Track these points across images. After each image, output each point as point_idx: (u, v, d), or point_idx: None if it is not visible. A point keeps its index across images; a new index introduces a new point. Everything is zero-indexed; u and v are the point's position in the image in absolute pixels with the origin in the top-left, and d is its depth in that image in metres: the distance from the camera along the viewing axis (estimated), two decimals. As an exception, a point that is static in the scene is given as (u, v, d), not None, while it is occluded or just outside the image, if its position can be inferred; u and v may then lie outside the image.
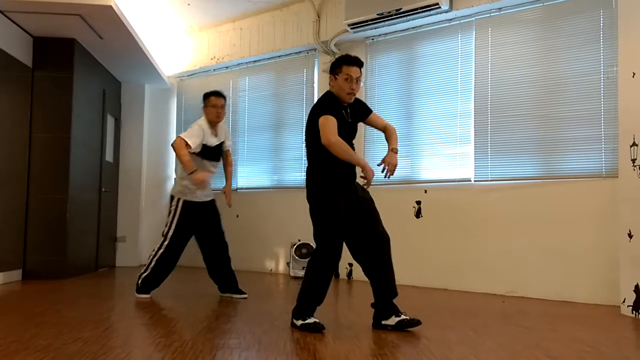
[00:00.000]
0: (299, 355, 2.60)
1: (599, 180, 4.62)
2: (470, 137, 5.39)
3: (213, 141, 4.47)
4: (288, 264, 6.61)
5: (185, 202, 4.43)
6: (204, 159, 4.45)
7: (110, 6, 5.14)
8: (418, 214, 5.67)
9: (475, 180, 5.33)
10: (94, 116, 6.59)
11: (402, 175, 5.81)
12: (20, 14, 5.26)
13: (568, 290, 4.68)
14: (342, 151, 3.22)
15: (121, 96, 7.69)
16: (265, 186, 7.05)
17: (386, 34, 6.04)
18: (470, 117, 5.39)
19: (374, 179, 3.35)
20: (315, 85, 6.63)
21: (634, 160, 3.91)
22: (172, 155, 7.93)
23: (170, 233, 4.41)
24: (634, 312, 3.88)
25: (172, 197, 4.52)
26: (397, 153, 3.47)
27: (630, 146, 3.95)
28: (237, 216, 7.20)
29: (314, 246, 3.33)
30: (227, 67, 7.51)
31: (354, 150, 3.38)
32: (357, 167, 3.37)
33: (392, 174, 3.43)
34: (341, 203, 3.27)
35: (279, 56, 6.99)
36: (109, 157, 7.19)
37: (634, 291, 3.87)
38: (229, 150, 4.76)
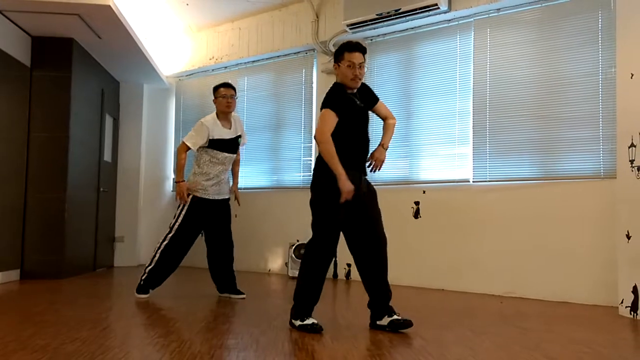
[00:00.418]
0: (297, 356, 2.60)
1: (597, 181, 4.63)
2: (468, 138, 5.39)
3: (224, 133, 4.48)
4: (286, 264, 6.61)
5: (195, 197, 4.44)
6: (222, 151, 4.48)
7: (109, 6, 5.14)
8: (416, 214, 5.67)
9: (473, 181, 5.34)
10: (92, 116, 6.58)
11: (401, 176, 5.81)
12: (19, 13, 5.26)
13: (566, 291, 4.69)
14: (327, 153, 3.20)
15: (120, 96, 7.68)
16: (264, 186, 7.05)
17: (385, 34, 6.04)
18: (469, 118, 5.40)
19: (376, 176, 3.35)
20: (314, 85, 6.63)
21: (632, 161, 3.92)
22: (171, 155, 7.94)
23: (176, 226, 4.41)
24: (632, 312, 3.89)
25: None
26: (386, 149, 3.47)
27: (629, 147, 3.96)
28: (236, 216, 7.18)
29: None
30: (225, 67, 7.50)
31: (367, 139, 3.39)
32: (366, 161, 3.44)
33: (379, 169, 3.46)
34: (342, 209, 3.25)
35: (278, 56, 6.99)
36: (107, 156, 7.19)
37: (632, 292, 3.87)
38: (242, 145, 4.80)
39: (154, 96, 7.97)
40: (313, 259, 3.26)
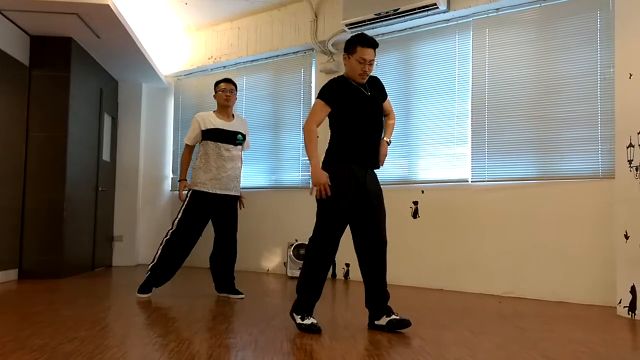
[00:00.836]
0: (296, 355, 2.60)
1: (595, 181, 4.63)
2: (467, 138, 5.40)
3: (219, 123, 4.51)
4: (285, 264, 6.61)
5: (194, 191, 4.45)
6: (218, 142, 4.48)
7: (108, 5, 5.13)
8: (415, 214, 5.68)
9: (472, 181, 5.34)
10: (91, 115, 6.58)
11: (400, 176, 5.82)
12: (18, 12, 5.25)
13: (564, 291, 4.70)
14: (308, 142, 3.25)
15: (118, 95, 7.68)
16: (263, 186, 7.04)
17: (384, 34, 6.04)
18: (468, 118, 5.40)
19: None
20: (313, 85, 6.63)
21: (630, 162, 3.92)
22: (170, 154, 7.93)
23: (177, 221, 4.41)
24: (630, 312, 3.89)
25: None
26: (389, 144, 3.49)
27: (627, 147, 3.96)
28: (234, 216, 7.20)
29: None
30: (224, 67, 7.50)
31: (377, 131, 3.35)
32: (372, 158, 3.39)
33: (382, 165, 3.45)
34: (345, 192, 3.22)
35: (277, 56, 6.99)
36: (106, 156, 7.18)
37: (630, 292, 3.88)
38: (246, 150, 4.80)
39: (152, 95, 7.97)
40: (314, 255, 3.25)
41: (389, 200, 5.60)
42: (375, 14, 5.57)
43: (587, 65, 4.75)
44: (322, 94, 3.31)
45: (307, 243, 3.36)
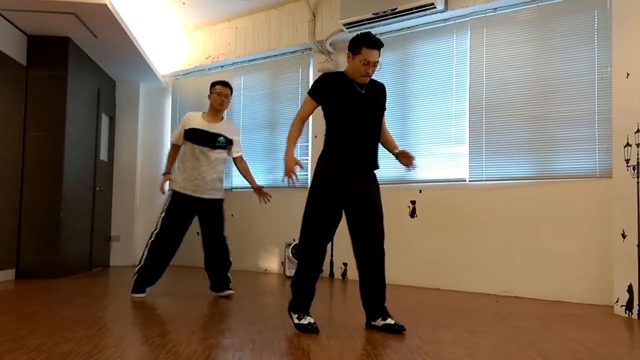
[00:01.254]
0: (293, 355, 2.60)
1: (593, 180, 4.64)
2: (465, 137, 5.40)
3: (202, 125, 4.44)
4: (283, 263, 6.61)
5: (174, 192, 4.46)
6: (194, 144, 4.42)
7: (105, 5, 5.12)
8: (413, 213, 5.68)
9: (469, 180, 5.34)
10: (88, 115, 6.57)
11: (397, 175, 5.82)
12: (15, 12, 5.24)
13: (562, 290, 4.70)
14: (289, 133, 3.34)
15: (116, 95, 7.66)
16: (261, 185, 7.01)
17: (381, 33, 6.04)
18: (465, 117, 5.40)
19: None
20: (311, 84, 6.62)
21: (627, 161, 3.93)
22: (167, 154, 7.92)
23: (160, 221, 4.41)
24: (627, 311, 3.90)
25: None
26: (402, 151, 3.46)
27: (624, 146, 3.97)
28: (232, 215, 7.20)
29: None
30: (222, 66, 7.49)
31: (371, 133, 3.29)
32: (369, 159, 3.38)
33: (411, 166, 3.42)
34: (329, 191, 3.20)
35: (274, 55, 6.99)
36: (103, 156, 7.17)
37: (627, 291, 3.88)
38: (238, 156, 4.68)
39: (150, 95, 7.96)
40: (302, 253, 3.26)
41: (386, 199, 5.60)
42: (373, 14, 5.57)
43: (585, 65, 4.76)
44: (310, 89, 3.36)
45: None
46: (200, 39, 7.56)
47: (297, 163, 3.25)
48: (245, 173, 4.75)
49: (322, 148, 3.36)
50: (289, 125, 3.45)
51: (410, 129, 5.80)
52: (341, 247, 5.89)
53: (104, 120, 7.23)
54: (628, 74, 3.97)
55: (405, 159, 3.37)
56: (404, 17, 5.57)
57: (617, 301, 4.03)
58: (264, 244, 6.89)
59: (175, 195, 4.44)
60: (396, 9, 5.43)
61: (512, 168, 5.08)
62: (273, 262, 6.82)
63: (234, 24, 7.22)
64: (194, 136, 4.43)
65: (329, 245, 6.07)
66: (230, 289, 4.59)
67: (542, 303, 4.57)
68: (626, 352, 2.82)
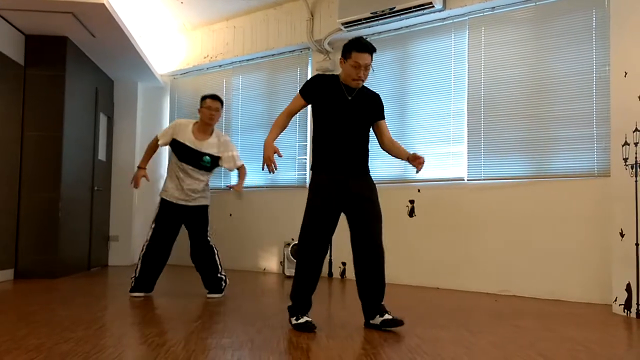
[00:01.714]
0: (292, 354, 2.60)
1: (591, 179, 4.65)
2: (463, 136, 5.40)
3: (190, 141, 4.39)
4: (282, 263, 6.61)
5: (162, 200, 4.48)
6: (180, 161, 4.41)
7: (103, 4, 5.12)
8: (411, 212, 5.68)
9: (468, 180, 5.35)
10: (86, 114, 6.56)
11: (396, 174, 5.82)
12: (13, 11, 5.23)
13: (560, 289, 4.71)
14: (274, 122, 3.39)
15: (114, 94, 7.66)
16: (259, 185, 7.04)
17: (380, 32, 6.04)
18: (464, 116, 5.41)
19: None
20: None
21: (625, 160, 3.93)
22: (165, 154, 7.91)
23: (151, 232, 4.45)
24: (625, 310, 3.90)
25: None
26: (412, 155, 3.40)
27: (622, 145, 3.97)
28: (231, 215, 7.20)
29: None
30: (220, 66, 7.49)
31: (355, 139, 3.28)
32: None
33: (420, 168, 3.36)
34: (322, 201, 3.23)
35: (273, 55, 6.98)
36: (101, 155, 7.16)
37: (626, 290, 3.89)
38: (238, 167, 4.62)
39: (148, 95, 7.95)
40: (299, 257, 3.29)
41: (385, 199, 5.61)
42: (372, 13, 5.57)
43: (583, 64, 4.77)
44: (302, 87, 3.39)
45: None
46: (198, 38, 7.55)
47: (276, 151, 3.27)
48: (242, 175, 4.69)
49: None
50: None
51: (408, 128, 5.80)
52: (340, 247, 5.89)
53: (102, 119, 7.22)
54: (626, 73, 3.98)
55: (416, 161, 3.33)
56: (402, 16, 5.57)
57: (615, 300, 4.03)
58: (263, 244, 6.89)
59: (163, 204, 4.47)
60: (394, 8, 5.43)
61: (511, 167, 5.09)
62: (272, 261, 6.82)
63: (232, 23, 7.22)
64: (180, 152, 4.41)
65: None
66: (216, 293, 4.56)
67: (541, 302, 4.57)
68: (625, 351, 2.82)
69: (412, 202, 5.68)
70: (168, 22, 7.35)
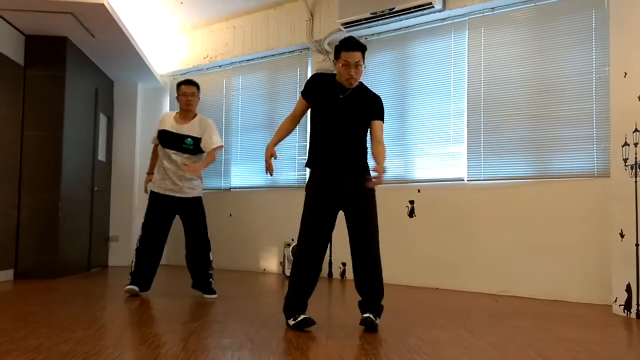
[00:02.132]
0: (292, 355, 2.60)
1: (591, 179, 4.65)
2: (463, 137, 5.40)
3: (171, 126, 4.41)
4: (281, 263, 6.61)
5: (151, 192, 4.50)
6: (164, 147, 4.42)
7: (103, 4, 5.12)
8: (411, 213, 5.68)
9: (468, 180, 5.35)
10: (86, 115, 6.56)
11: (396, 175, 5.82)
12: (12, 12, 5.23)
13: (560, 290, 4.71)
14: (278, 127, 3.48)
15: (114, 95, 7.66)
16: (259, 185, 7.04)
17: (379, 33, 6.04)
18: (463, 117, 5.41)
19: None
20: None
21: (625, 160, 3.93)
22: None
23: (142, 225, 4.49)
24: (625, 311, 3.90)
25: None
26: (384, 171, 3.18)
27: (622, 146, 3.97)
28: (230, 215, 7.20)
29: None
30: (220, 66, 7.49)
31: (347, 138, 3.25)
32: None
33: (373, 184, 3.15)
34: (317, 200, 3.27)
35: (272, 55, 6.99)
36: (101, 156, 7.16)
37: (626, 290, 3.89)
38: (210, 150, 4.43)
39: (148, 95, 7.95)
40: (296, 257, 3.34)
41: (385, 199, 5.63)
42: (371, 13, 5.57)
43: (583, 64, 4.77)
44: (303, 90, 3.42)
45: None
46: (198, 38, 7.55)
47: (272, 154, 3.36)
48: (207, 159, 4.45)
49: None
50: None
51: (408, 128, 5.80)
52: (340, 247, 5.89)
53: (102, 120, 7.22)
54: (626, 74, 3.98)
55: (375, 174, 3.15)
56: (401, 17, 5.57)
57: (615, 300, 4.03)
58: (263, 244, 6.89)
59: (152, 196, 4.49)
60: (394, 8, 5.43)
61: (510, 167, 5.09)
62: (272, 261, 6.82)
63: (232, 23, 7.22)
64: (163, 138, 4.43)
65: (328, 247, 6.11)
66: (212, 293, 4.54)
67: (541, 302, 4.57)
68: (624, 351, 2.82)
69: (412, 202, 5.68)
70: (168, 22, 7.35)
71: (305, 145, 6.56)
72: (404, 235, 5.67)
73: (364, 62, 3.26)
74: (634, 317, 3.83)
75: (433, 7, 5.30)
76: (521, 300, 4.70)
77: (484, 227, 5.18)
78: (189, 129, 4.42)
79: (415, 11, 5.41)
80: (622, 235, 3.94)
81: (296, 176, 6.65)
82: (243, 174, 7.21)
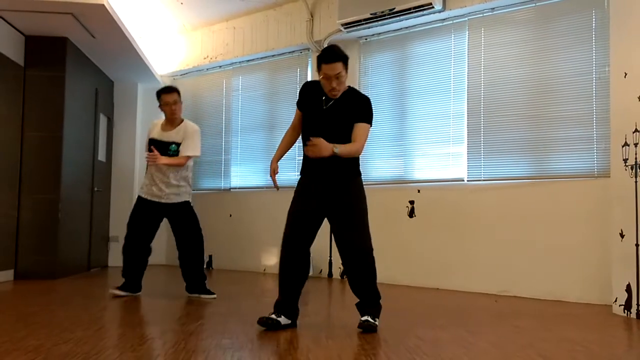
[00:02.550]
0: (292, 355, 2.60)
1: (591, 180, 4.65)
2: (463, 137, 5.40)
3: (158, 134, 4.50)
4: (281, 263, 6.60)
5: (138, 196, 4.60)
6: (149, 151, 4.48)
7: (103, 5, 5.12)
8: (411, 213, 5.68)
9: (468, 180, 5.35)
10: (86, 115, 6.56)
11: (395, 175, 5.82)
12: (12, 12, 5.23)
13: (560, 290, 4.70)
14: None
15: (114, 95, 7.66)
16: (259, 186, 7.04)
17: (379, 33, 6.04)
18: (463, 117, 5.41)
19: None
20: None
21: (625, 160, 3.93)
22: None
23: (127, 224, 4.56)
24: (625, 311, 3.90)
25: None
26: (332, 150, 3.07)
27: (622, 146, 3.97)
28: (230, 215, 7.20)
29: None
30: (220, 67, 7.49)
31: (335, 141, 3.15)
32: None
33: (313, 154, 3.09)
34: (302, 200, 3.35)
35: (272, 55, 6.99)
36: (101, 156, 7.16)
37: (626, 290, 3.89)
38: (184, 156, 4.45)
39: (148, 95, 7.92)
40: (279, 256, 3.41)
41: (385, 199, 5.63)
42: (371, 14, 5.57)
43: (583, 65, 4.76)
44: (297, 101, 3.44)
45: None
46: (198, 39, 7.55)
47: (274, 170, 3.50)
48: (173, 158, 4.43)
49: None
50: (287, 125, 3.50)
51: (408, 129, 5.80)
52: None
53: (102, 120, 7.22)
54: (626, 74, 3.98)
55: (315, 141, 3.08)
56: (401, 17, 5.57)
57: (615, 301, 4.03)
58: (263, 244, 6.89)
59: (138, 200, 4.59)
60: (394, 9, 5.43)
61: (510, 168, 5.09)
62: (272, 261, 6.82)
63: (232, 24, 7.22)
64: (152, 146, 4.48)
65: (328, 247, 6.11)
66: (211, 293, 4.55)
67: (541, 303, 4.57)
68: (624, 351, 2.82)
69: (412, 202, 5.68)
70: (168, 22, 7.35)
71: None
72: (404, 235, 5.67)
73: (346, 71, 3.19)
74: (634, 317, 3.83)
75: (433, 7, 5.30)
76: (521, 300, 4.70)
77: (484, 227, 5.17)
78: (174, 135, 4.50)
79: (415, 11, 5.41)
80: (622, 236, 3.94)
81: (296, 176, 6.64)
82: (243, 174, 7.21)
